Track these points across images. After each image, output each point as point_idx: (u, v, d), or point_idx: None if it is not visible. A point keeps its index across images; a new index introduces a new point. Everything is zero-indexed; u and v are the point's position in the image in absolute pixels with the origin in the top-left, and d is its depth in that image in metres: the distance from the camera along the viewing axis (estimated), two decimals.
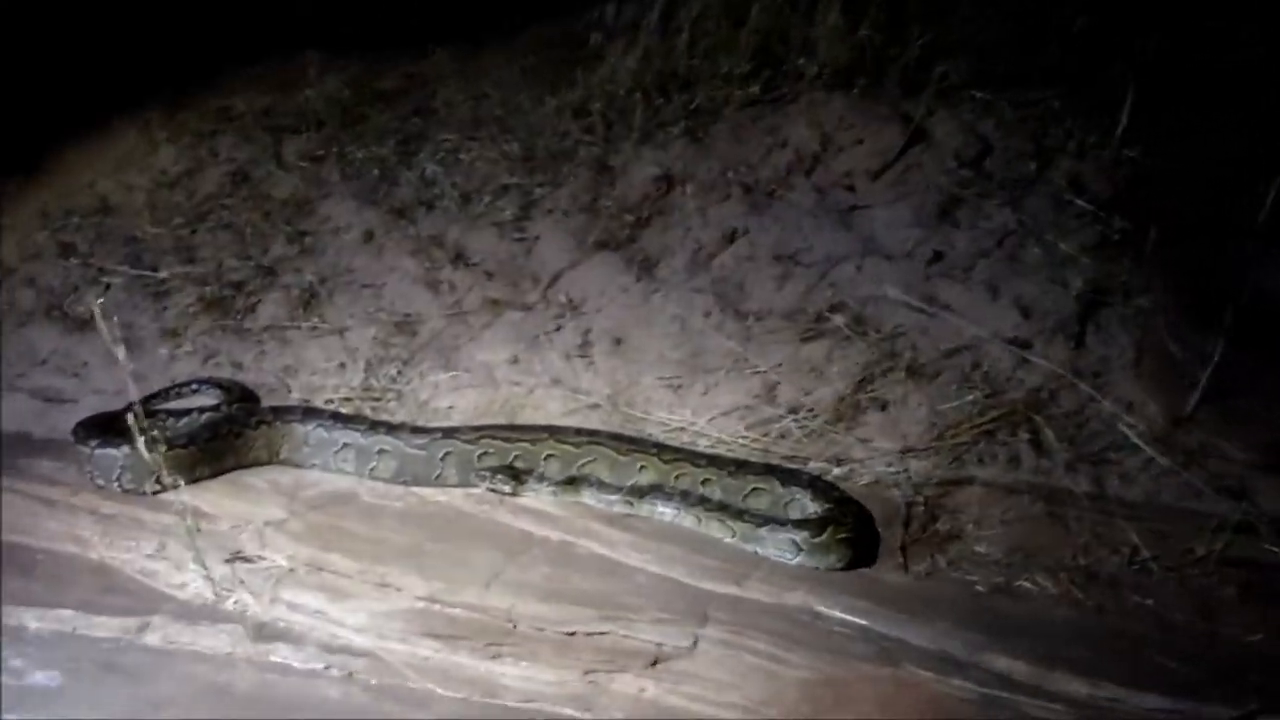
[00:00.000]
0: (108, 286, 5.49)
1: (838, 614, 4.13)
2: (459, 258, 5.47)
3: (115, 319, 5.16)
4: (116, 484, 4.65)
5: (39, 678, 3.78)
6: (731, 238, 5.39)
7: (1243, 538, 4.39)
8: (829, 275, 5.22)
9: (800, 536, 4.38)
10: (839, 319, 5.08)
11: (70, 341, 5.39)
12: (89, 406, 5.14)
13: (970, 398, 4.85)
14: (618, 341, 5.18)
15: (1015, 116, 5.70)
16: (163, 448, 4.58)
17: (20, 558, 4.35)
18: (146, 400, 5.08)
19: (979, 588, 4.35)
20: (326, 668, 3.87)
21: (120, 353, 4.04)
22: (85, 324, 5.40)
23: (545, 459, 4.79)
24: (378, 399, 5.10)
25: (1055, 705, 3.74)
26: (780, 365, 5.02)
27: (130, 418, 4.83)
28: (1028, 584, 4.35)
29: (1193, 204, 5.24)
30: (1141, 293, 5.09)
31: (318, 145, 5.90)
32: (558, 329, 5.25)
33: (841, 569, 4.38)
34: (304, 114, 5.96)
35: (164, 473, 4.52)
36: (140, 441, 4.37)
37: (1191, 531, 4.44)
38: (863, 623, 4.09)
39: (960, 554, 4.47)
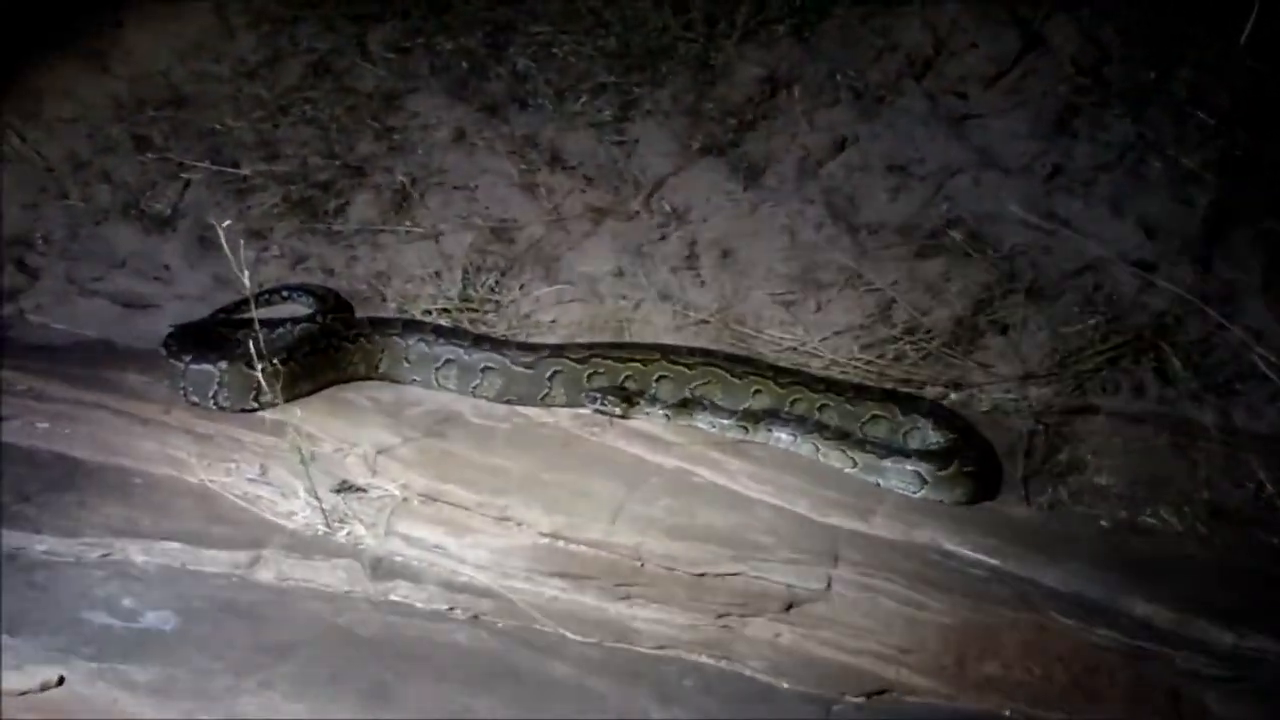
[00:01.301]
0: (188, 184, 5.26)
1: (968, 553, 4.03)
2: (555, 160, 5.24)
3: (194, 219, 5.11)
4: (213, 401, 4.47)
5: (152, 619, 3.59)
6: (841, 145, 5.15)
7: None
8: (944, 188, 5.00)
9: (925, 469, 4.26)
10: (955, 235, 4.87)
11: (150, 242, 5.20)
12: (173, 313, 4.99)
13: (1093, 322, 4.69)
14: (725, 254, 4.99)
15: (1134, 21, 5.37)
16: (261, 364, 4.45)
17: (116, 480, 4.18)
18: (235, 307, 4.96)
19: (1103, 523, 4.28)
20: (451, 609, 3.77)
21: (246, 279, 3.84)
22: (165, 223, 5.21)
23: (657, 380, 4.65)
24: (476, 310, 4.94)
25: (1202, 657, 3.65)
26: (895, 283, 4.85)
27: (230, 329, 4.77)
28: (1152, 519, 4.27)
29: None
30: (1270, 214, 4.86)
31: (403, 35, 5.57)
32: (662, 239, 5.06)
33: (966, 503, 4.28)
34: (389, 1, 5.63)
35: (263, 390, 4.41)
36: (240, 357, 4.28)
37: None
38: (994, 562, 3.99)
39: (1082, 486, 4.39)
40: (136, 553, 3.87)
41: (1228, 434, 4.45)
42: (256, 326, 4.62)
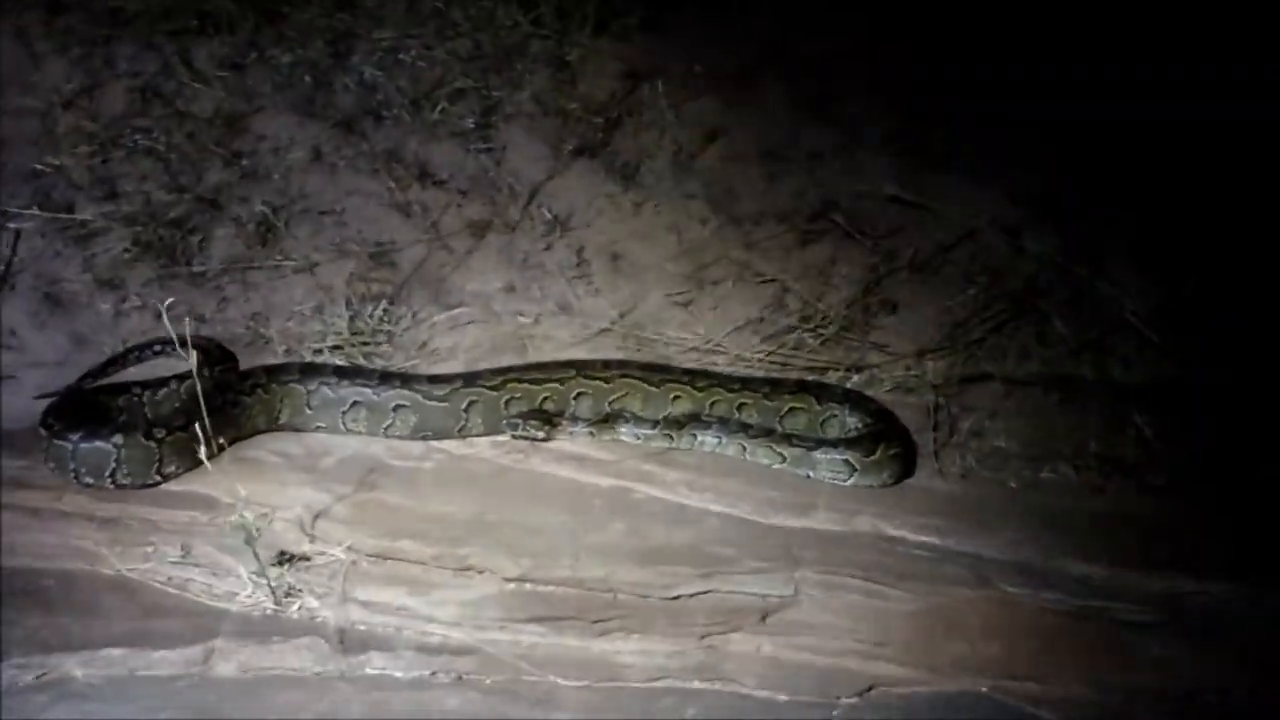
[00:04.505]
0: (19, 234, 4.77)
1: (908, 534, 4.24)
2: (424, 174, 5.03)
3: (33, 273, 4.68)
4: (110, 480, 4.12)
5: None
6: (712, 136, 5.17)
7: None
8: (816, 172, 5.11)
9: (853, 456, 4.41)
10: (836, 218, 5.00)
11: None
12: (33, 384, 4.54)
13: (973, 292, 4.94)
14: (615, 258, 4.97)
15: None
16: (161, 432, 4.15)
17: (26, 585, 3.76)
18: (103, 370, 4.59)
19: (1012, 484, 4.54)
20: (433, 673, 3.59)
21: (193, 363, 3.56)
22: (1, 280, 4.72)
23: (575, 398, 4.61)
24: (369, 343, 4.73)
25: (1145, 606, 3.98)
26: (785, 272, 4.94)
27: (108, 396, 4.42)
28: (1052, 475, 4.57)
29: None
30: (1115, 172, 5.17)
31: (234, 50, 5.15)
32: (548, 248, 4.97)
33: (893, 484, 4.46)
34: (210, 14, 5.21)
35: (165, 461, 4.12)
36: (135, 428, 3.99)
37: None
38: (936, 541, 4.21)
39: (987, 452, 4.64)
40: (74, 667, 3.48)
41: (1106, 387, 4.79)
42: (142, 394, 4.38)
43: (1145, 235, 4.97)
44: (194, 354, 3.96)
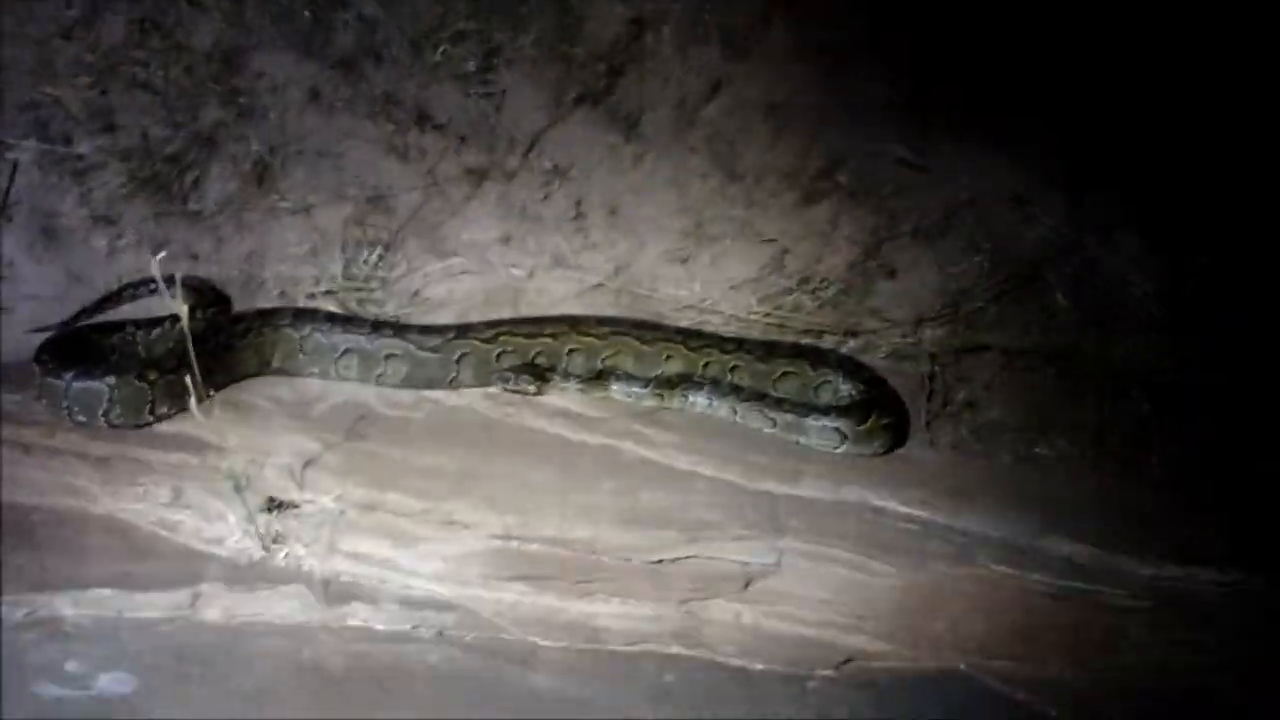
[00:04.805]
0: (16, 165, 4.72)
1: (896, 506, 4.23)
2: (423, 118, 4.93)
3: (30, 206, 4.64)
4: (103, 419, 4.13)
5: (106, 683, 3.31)
6: (716, 87, 5.06)
7: None
8: (822, 131, 5.01)
9: (845, 425, 4.40)
10: (841, 178, 4.92)
11: None
12: (26, 317, 4.54)
13: (977, 259, 4.87)
14: (613, 212, 4.89)
15: None
16: (153, 374, 4.14)
17: (13, 520, 3.79)
18: (98, 306, 4.58)
19: (1005, 458, 4.52)
20: (414, 627, 3.64)
21: (183, 312, 3.53)
22: None
23: (568, 354, 4.59)
24: (362, 289, 4.71)
25: (1124, 591, 3.98)
26: (785, 232, 4.88)
27: (101, 334, 4.41)
28: (1045, 451, 4.55)
29: None
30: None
31: None
32: (545, 199, 4.90)
33: (884, 453, 4.44)
34: None
35: (158, 402, 4.12)
36: (128, 369, 4.03)
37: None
38: (923, 514, 4.20)
39: (980, 424, 4.62)
40: (64, 606, 3.54)
41: (1108, 365, 4.74)
42: (136, 333, 4.37)
43: (1160, 211, 4.86)
44: (183, 305, 3.90)
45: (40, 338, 4.37)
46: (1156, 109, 4.69)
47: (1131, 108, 4.78)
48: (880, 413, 4.41)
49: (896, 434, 4.46)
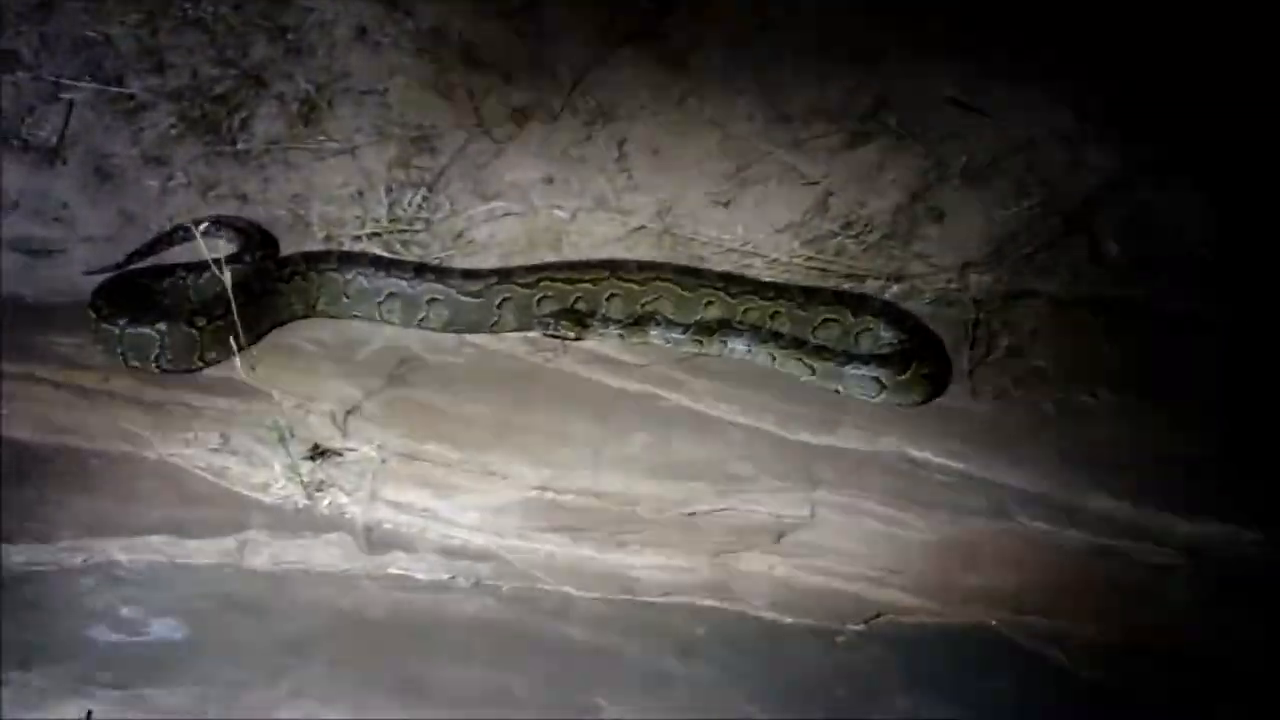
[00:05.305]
0: (71, 105, 4.79)
1: (932, 458, 4.20)
2: (469, 57, 4.93)
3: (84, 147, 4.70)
4: (155, 364, 4.22)
5: (159, 629, 3.41)
6: (765, 26, 4.98)
7: None
8: (873, 71, 4.92)
9: (884, 374, 4.37)
10: (889, 121, 4.84)
11: (41, 178, 4.74)
12: (82, 258, 4.64)
13: (1026, 205, 4.79)
14: (656, 153, 4.87)
15: None
16: (202, 320, 4.23)
17: (71, 465, 3.91)
18: (150, 249, 4.66)
19: (1047, 408, 4.47)
20: (452, 577, 3.71)
21: (227, 279, 3.59)
22: (53, 153, 4.77)
23: (608, 299, 4.61)
24: (406, 231, 4.74)
25: (1161, 548, 3.94)
26: (829, 175, 4.82)
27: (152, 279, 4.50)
28: (1089, 399, 4.49)
29: None
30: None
31: None
32: (589, 139, 4.89)
33: (923, 403, 4.43)
34: None
35: (207, 348, 4.23)
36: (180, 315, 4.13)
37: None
38: (960, 466, 4.17)
39: (1024, 372, 4.56)
40: (118, 551, 3.65)
41: (1157, 314, 4.66)
42: (186, 276, 4.46)
43: (1214, 160, 4.74)
44: (224, 261, 4.02)
45: (95, 280, 4.45)
46: (1212, 50, 4.55)
47: (1186, 48, 4.65)
48: (920, 363, 4.38)
49: (937, 384, 4.43)
